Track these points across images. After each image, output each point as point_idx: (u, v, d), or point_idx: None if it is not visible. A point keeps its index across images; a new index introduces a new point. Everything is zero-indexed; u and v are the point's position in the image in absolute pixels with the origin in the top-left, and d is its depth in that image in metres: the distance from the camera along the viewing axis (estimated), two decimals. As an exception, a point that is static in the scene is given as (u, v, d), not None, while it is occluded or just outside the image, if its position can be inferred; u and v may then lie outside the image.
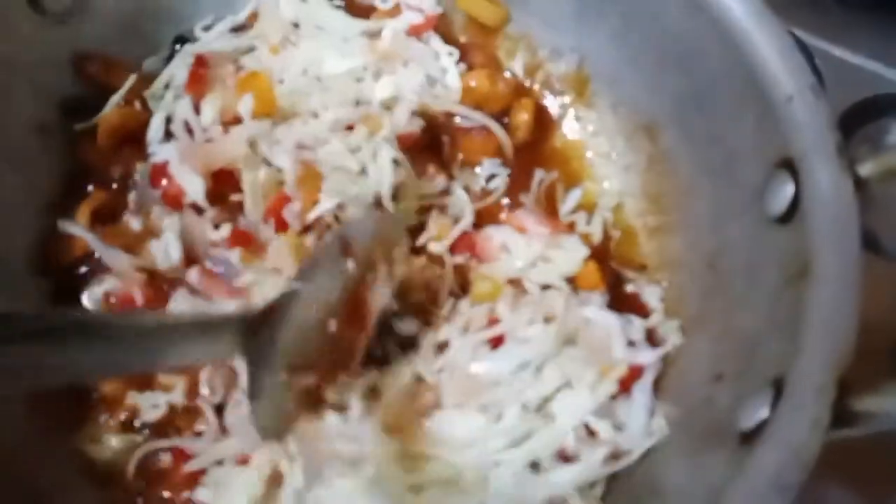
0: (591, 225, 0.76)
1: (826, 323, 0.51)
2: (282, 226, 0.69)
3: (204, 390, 0.66)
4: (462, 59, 0.80)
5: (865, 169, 0.55)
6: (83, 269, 0.72)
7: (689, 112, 0.71)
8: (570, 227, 0.76)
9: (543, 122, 0.81)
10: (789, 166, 0.58)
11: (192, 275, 0.70)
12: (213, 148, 0.72)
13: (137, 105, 0.76)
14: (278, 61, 0.77)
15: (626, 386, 0.64)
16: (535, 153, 0.80)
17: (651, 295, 0.72)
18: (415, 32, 0.78)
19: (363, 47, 0.77)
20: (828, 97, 0.84)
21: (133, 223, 0.71)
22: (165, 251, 0.70)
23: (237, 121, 0.72)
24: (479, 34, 0.82)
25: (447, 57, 0.79)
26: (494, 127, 0.78)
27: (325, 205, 0.68)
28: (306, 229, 0.69)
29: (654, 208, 0.76)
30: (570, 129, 0.82)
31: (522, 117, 0.79)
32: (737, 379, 0.59)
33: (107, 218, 0.72)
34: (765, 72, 0.61)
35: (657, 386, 0.66)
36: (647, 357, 0.65)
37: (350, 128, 0.72)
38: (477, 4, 0.81)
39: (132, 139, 0.75)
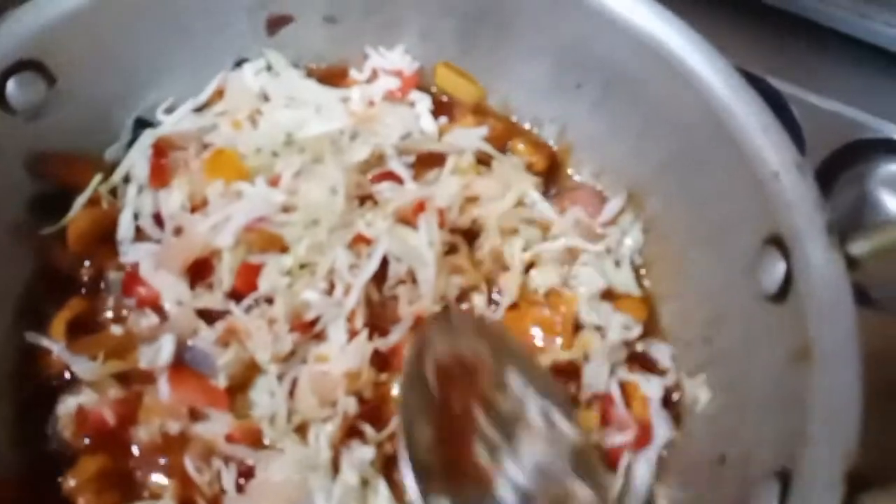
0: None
1: (830, 412, 0.50)
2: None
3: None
4: (444, 112, 0.80)
5: (856, 248, 0.55)
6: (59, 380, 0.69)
7: (672, 180, 0.71)
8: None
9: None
10: (779, 244, 0.58)
11: (163, 387, 0.66)
12: (186, 242, 0.70)
13: (105, 203, 0.74)
14: (243, 135, 0.76)
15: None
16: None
17: (661, 353, 0.71)
18: (393, 97, 0.78)
19: (340, 112, 0.76)
20: (807, 145, 0.88)
21: (114, 330, 0.69)
22: (156, 355, 0.67)
23: (206, 203, 0.71)
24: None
25: (422, 104, 0.78)
26: (493, 151, 0.76)
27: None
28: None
29: (648, 273, 0.75)
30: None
31: (520, 146, 0.79)
32: (741, 464, 0.57)
33: (86, 326, 0.70)
34: (749, 147, 0.61)
35: (660, 467, 0.64)
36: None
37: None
38: (453, 83, 0.80)
39: (104, 238, 0.73)
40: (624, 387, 0.68)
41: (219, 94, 0.79)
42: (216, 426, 0.65)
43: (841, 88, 0.94)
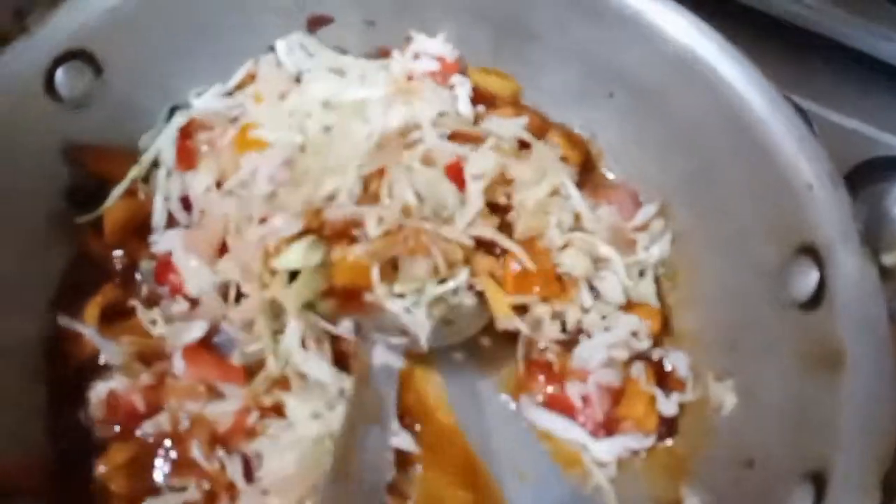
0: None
1: (865, 419, 0.52)
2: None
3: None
4: (482, 101, 0.80)
5: (889, 259, 0.56)
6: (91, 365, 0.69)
7: (699, 191, 0.72)
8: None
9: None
10: (813, 253, 0.59)
11: (178, 363, 0.67)
12: (210, 223, 0.71)
13: (142, 194, 0.75)
14: (271, 108, 0.77)
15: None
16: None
17: (679, 361, 0.72)
18: (434, 78, 0.79)
19: (382, 81, 0.77)
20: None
21: (145, 315, 0.70)
22: (185, 335, 0.68)
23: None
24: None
25: (462, 88, 0.79)
26: (532, 139, 0.76)
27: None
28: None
29: (671, 279, 0.76)
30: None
31: (555, 140, 0.79)
32: (769, 467, 0.59)
33: (119, 313, 0.70)
34: (780, 158, 0.62)
35: (684, 468, 0.66)
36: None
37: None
38: (488, 79, 0.81)
39: (139, 229, 0.74)
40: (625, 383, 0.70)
41: (251, 77, 0.80)
42: (230, 404, 0.66)
43: (859, 106, 0.96)
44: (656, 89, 0.72)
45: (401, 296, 0.69)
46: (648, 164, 0.76)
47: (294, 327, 0.65)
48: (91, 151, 0.73)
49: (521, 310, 0.70)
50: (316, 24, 0.80)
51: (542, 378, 0.71)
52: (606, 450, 0.68)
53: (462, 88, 0.78)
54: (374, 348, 0.67)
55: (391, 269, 0.69)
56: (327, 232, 0.70)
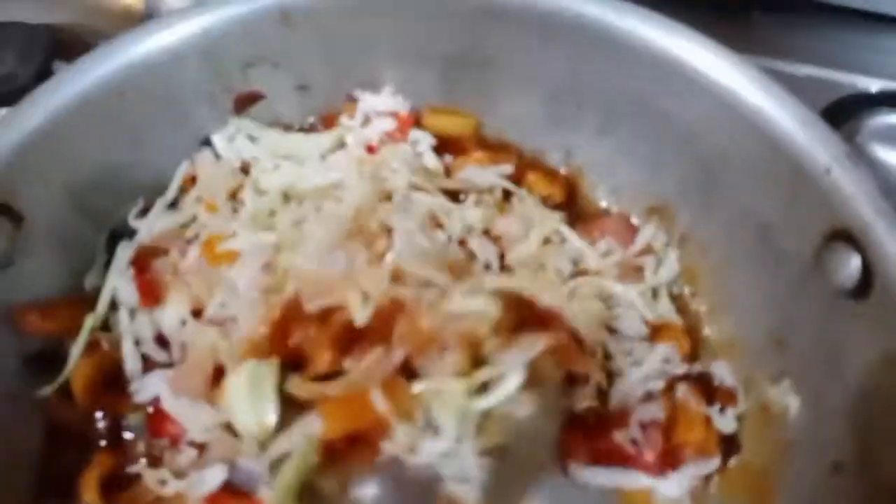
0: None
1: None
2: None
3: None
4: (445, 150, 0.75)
5: (933, 230, 0.53)
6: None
7: (699, 192, 0.69)
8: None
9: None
10: (848, 238, 0.56)
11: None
12: (197, 357, 0.64)
13: (105, 343, 0.66)
14: (225, 215, 0.70)
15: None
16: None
17: (721, 371, 0.68)
18: (393, 138, 0.73)
19: (342, 160, 0.71)
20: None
21: (152, 480, 0.61)
22: (204, 485, 0.60)
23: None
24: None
25: (424, 143, 0.74)
26: (513, 188, 0.73)
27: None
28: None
29: (694, 288, 0.72)
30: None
31: (531, 178, 0.75)
32: (863, 469, 0.55)
33: (118, 480, 0.62)
34: (789, 146, 0.59)
35: (766, 486, 0.62)
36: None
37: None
38: (442, 122, 0.75)
39: (113, 382, 0.65)
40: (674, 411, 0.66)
41: (191, 180, 0.72)
42: None
43: (809, 52, 0.94)
44: (629, 97, 0.68)
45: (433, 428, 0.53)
46: (636, 174, 0.72)
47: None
48: (33, 312, 0.63)
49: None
50: (245, 102, 0.73)
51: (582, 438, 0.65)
52: (676, 485, 0.64)
53: (424, 143, 0.73)
54: None
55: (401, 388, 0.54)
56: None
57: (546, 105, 0.72)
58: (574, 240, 0.70)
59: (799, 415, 0.62)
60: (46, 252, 0.65)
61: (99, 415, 0.65)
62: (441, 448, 0.53)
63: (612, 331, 0.68)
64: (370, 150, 0.72)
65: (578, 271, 0.71)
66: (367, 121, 0.73)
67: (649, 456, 0.65)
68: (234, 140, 0.72)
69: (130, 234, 0.70)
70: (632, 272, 0.71)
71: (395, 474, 0.53)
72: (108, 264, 0.69)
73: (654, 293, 0.71)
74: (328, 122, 0.75)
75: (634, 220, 0.74)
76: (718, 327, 0.70)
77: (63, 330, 0.65)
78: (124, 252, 0.69)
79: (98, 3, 0.95)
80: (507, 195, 0.74)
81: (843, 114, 0.90)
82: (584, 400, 0.65)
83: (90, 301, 0.67)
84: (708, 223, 0.69)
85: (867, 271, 0.55)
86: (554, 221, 0.71)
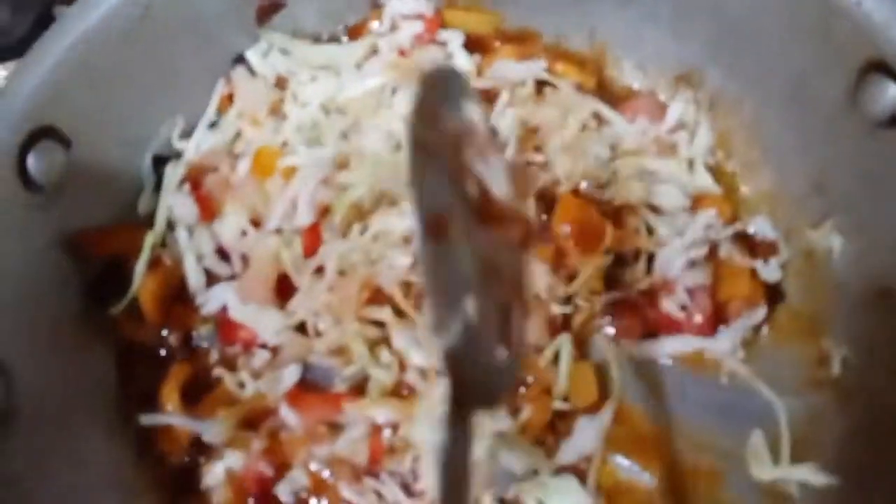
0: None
1: None
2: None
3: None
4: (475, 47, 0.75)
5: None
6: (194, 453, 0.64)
7: (727, 51, 0.69)
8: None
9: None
10: (882, 68, 0.57)
11: (287, 415, 0.62)
12: (260, 265, 0.66)
13: (168, 259, 0.68)
14: (271, 128, 0.71)
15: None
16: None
17: (761, 225, 0.70)
18: (422, 40, 0.73)
19: (376, 67, 0.72)
20: None
21: (232, 383, 0.64)
22: (280, 384, 0.63)
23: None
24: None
25: (454, 42, 0.74)
26: (546, 76, 0.72)
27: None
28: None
29: (727, 149, 0.73)
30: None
31: (560, 68, 0.74)
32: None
33: (195, 389, 0.64)
34: (816, -13, 0.59)
35: (818, 324, 0.65)
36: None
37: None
38: (464, 21, 0.75)
39: (179, 297, 0.67)
40: (719, 269, 0.68)
41: (228, 98, 0.73)
42: (356, 431, 0.61)
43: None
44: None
45: None
46: (663, 42, 0.73)
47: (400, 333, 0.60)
48: (93, 234, 0.65)
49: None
50: (267, 12, 0.73)
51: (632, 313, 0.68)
52: (726, 342, 0.66)
53: (455, 43, 0.73)
54: None
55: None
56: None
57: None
58: (615, 118, 0.71)
59: (842, 254, 0.65)
60: (95, 179, 0.66)
61: (168, 331, 0.67)
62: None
63: (653, 208, 0.69)
64: (402, 54, 0.72)
65: (615, 156, 0.71)
66: (394, 25, 0.73)
67: (698, 319, 0.66)
68: (267, 55, 0.72)
69: (176, 155, 0.71)
70: (667, 149, 0.71)
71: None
72: (157, 187, 0.70)
73: (690, 165, 0.72)
74: (354, 33, 0.75)
75: (662, 97, 0.75)
76: (755, 184, 0.71)
77: (123, 251, 0.66)
78: (175, 172, 0.70)
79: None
80: (539, 87, 0.74)
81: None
82: (635, 278, 0.67)
83: (146, 223, 0.69)
84: (738, 81, 0.70)
85: (905, 97, 0.56)
86: (591, 105, 0.71)
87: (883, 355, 0.59)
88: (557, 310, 0.65)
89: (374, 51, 0.73)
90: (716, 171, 0.73)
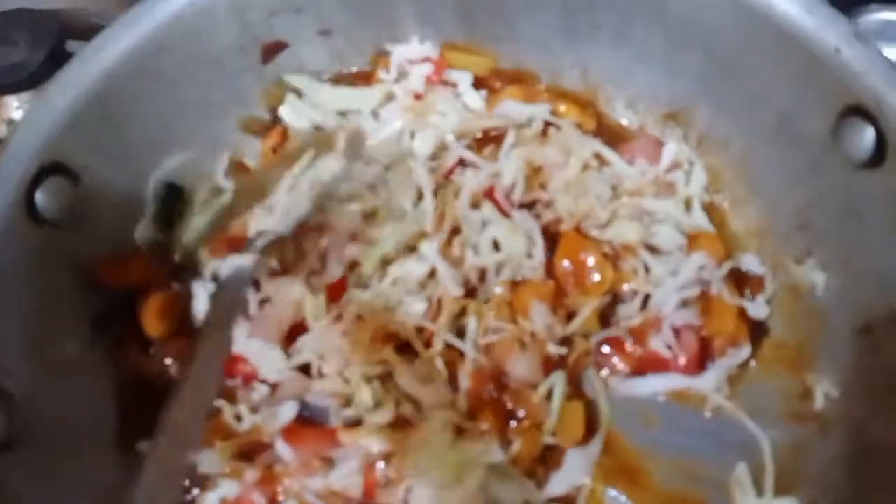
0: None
1: None
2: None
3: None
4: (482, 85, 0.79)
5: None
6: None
7: (716, 87, 0.71)
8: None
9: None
10: (862, 112, 0.59)
11: (282, 449, 0.64)
12: (281, 308, 0.68)
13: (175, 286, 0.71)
14: None
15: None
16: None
17: (749, 262, 0.72)
18: (434, 81, 0.76)
19: (395, 111, 0.75)
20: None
21: (230, 415, 0.66)
22: (277, 419, 0.65)
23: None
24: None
25: (464, 82, 0.77)
26: (555, 119, 0.75)
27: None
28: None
29: (716, 185, 0.75)
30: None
31: (562, 109, 0.78)
32: (891, 329, 0.59)
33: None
34: (799, 31, 0.61)
35: (803, 358, 0.66)
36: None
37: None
38: (465, 60, 0.78)
39: (181, 328, 0.69)
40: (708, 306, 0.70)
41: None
42: (350, 465, 0.63)
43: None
44: (643, 3, 0.70)
45: None
46: (652, 79, 0.75)
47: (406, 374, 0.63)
48: (108, 265, 0.68)
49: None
50: (272, 52, 0.75)
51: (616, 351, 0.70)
52: (711, 380, 0.68)
53: (465, 82, 0.76)
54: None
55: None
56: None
57: (562, 21, 0.74)
58: (615, 160, 0.73)
59: (826, 289, 0.66)
60: (101, 209, 0.68)
61: (171, 361, 0.69)
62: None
63: (651, 248, 0.72)
64: (417, 97, 0.75)
65: (616, 195, 0.74)
66: (402, 71, 0.76)
67: (682, 360, 0.68)
68: (299, 112, 0.76)
69: (217, 190, 0.75)
70: (665, 189, 0.74)
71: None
72: (155, 216, 0.73)
73: (687, 205, 0.74)
74: (363, 79, 0.78)
75: (656, 134, 0.78)
76: (744, 220, 0.74)
77: (136, 283, 0.69)
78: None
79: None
80: (543, 127, 0.76)
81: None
82: (629, 316, 0.70)
83: (160, 252, 0.72)
84: (726, 118, 0.72)
85: (881, 140, 0.58)
86: (593, 145, 0.74)
87: (864, 390, 0.61)
88: (554, 350, 0.67)
89: (390, 97, 0.76)
90: (708, 208, 0.75)
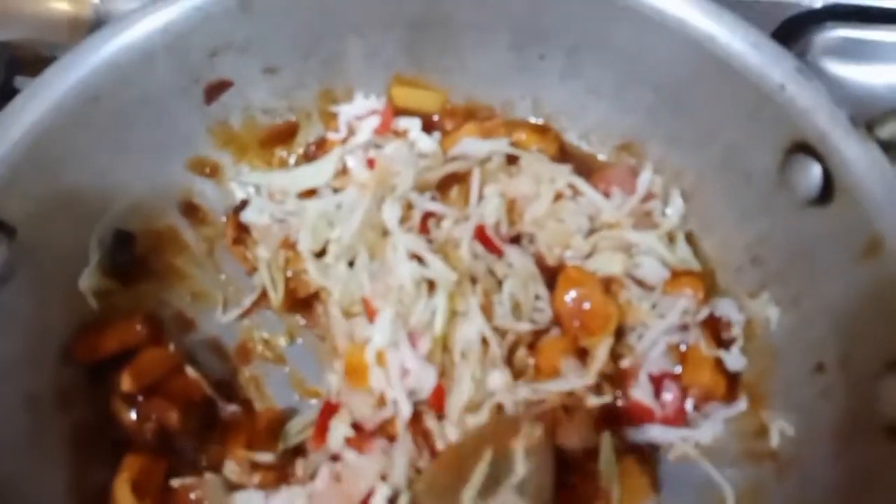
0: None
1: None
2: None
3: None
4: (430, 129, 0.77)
5: (885, 132, 0.56)
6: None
7: (666, 122, 0.71)
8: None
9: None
10: (807, 149, 0.59)
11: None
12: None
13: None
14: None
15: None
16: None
17: (727, 308, 0.70)
18: (384, 131, 0.74)
19: (356, 193, 0.72)
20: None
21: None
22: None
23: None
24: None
25: (415, 129, 0.75)
26: (514, 151, 0.74)
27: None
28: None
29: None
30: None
31: (522, 137, 0.76)
32: (845, 367, 0.59)
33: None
34: (742, 68, 0.61)
35: (758, 395, 0.66)
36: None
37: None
38: (413, 99, 0.77)
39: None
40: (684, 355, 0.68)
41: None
42: None
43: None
44: (590, 37, 0.69)
45: None
46: (603, 112, 0.75)
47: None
48: (85, 341, 0.67)
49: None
50: (215, 91, 0.73)
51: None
52: (708, 432, 0.67)
53: (414, 129, 0.74)
54: None
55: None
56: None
57: (509, 54, 0.73)
58: (588, 191, 0.71)
59: (780, 324, 0.66)
60: (43, 260, 0.66)
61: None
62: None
63: (637, 281, 0.70)
64: (370, 164, 0.73)
65: (594, 228, 0.72)
66: (351, 129, 0.75)
67: (674, 407, 0.67)
68: (261, 210, 0.74)
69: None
70: (644, 219, 0.72)
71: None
72: (100, 263, 0.70)
73: (671, 238, 0.72)
74: (321, 146, 0.77)
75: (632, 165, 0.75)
76: (702, 248, 0.73)
77: (118, 350, 0.68)
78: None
79: (44, 16, 0.93)
80: (510, 158, 0.75)
81: (794, 33, 0.93)
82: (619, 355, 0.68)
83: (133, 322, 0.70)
84: (678, 151, 0.72)
85: (828, 177, 0.58)
86: (564, 175, 0.72)
87: (817, 429, 0.60)
88: (596, 401, 0.64)
89: (343, 167, 0.74)
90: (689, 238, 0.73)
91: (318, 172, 0.74)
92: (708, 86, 0.65)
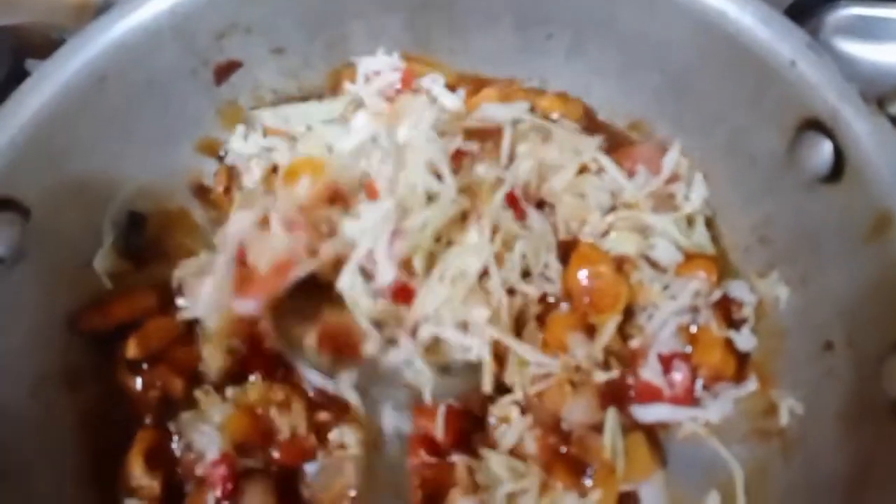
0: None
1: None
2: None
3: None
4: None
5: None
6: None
7: (674, 102, 0.71)
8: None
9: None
10: (817, 125, 0.58)
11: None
12: None
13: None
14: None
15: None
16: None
17: (739, 290, 0.69)
18: (405, 87, 0.75)
19: (368, 118, 0.72)
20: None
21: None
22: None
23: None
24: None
25: (437, 86, 0.76)
26: (539, 121, 0.74)
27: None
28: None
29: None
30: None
31: (544, 104, 0.76)
32: (852, 345, 0.59)
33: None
34: (754, 44, 0.61)
35: (767, 374, 0.66)
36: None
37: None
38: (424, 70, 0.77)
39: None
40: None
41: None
42: None
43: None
44: (596, 18, 0.69)
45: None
46: (609, 93, 0.75)
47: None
48: (94, 313, 0.68)
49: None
50: (224, 72, 0.74)
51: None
52: (717, 411, 0.66)
53: (437, 86, 0.74)
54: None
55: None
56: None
57: (515, 34, 0.73)
58: (611, 167, 0.71)
59: (789, 304, 0.66)
60: (55, 243, 0.67)
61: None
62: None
63: (651, 262, 0.69)
64: (388, 100, 0.73)
65: (614, 205, 0.71)
66: (368, 79, 0.74)
67: (684, 386, 0.66)
68: (249, 141, 0.75)
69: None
70: (665, 201, 0.71)
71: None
72: (113, 244, 0.71)
73: (690, 221, 0.71)
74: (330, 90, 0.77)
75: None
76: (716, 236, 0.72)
77: (124, 321, 0.69)
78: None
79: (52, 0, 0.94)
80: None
81: (805, 11, 0.92)
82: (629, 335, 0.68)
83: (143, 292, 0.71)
84: (684, 133, 0.71)
85: (838, 154, 0.57)
86: (591, 148, 0.71)
87: (822, 414, 0.60)
88: (603, 377, 0.65)
89: (358, 105, 0.74)
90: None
91: (330, 108, 0.74)
92: (715, 67, 0.64)
